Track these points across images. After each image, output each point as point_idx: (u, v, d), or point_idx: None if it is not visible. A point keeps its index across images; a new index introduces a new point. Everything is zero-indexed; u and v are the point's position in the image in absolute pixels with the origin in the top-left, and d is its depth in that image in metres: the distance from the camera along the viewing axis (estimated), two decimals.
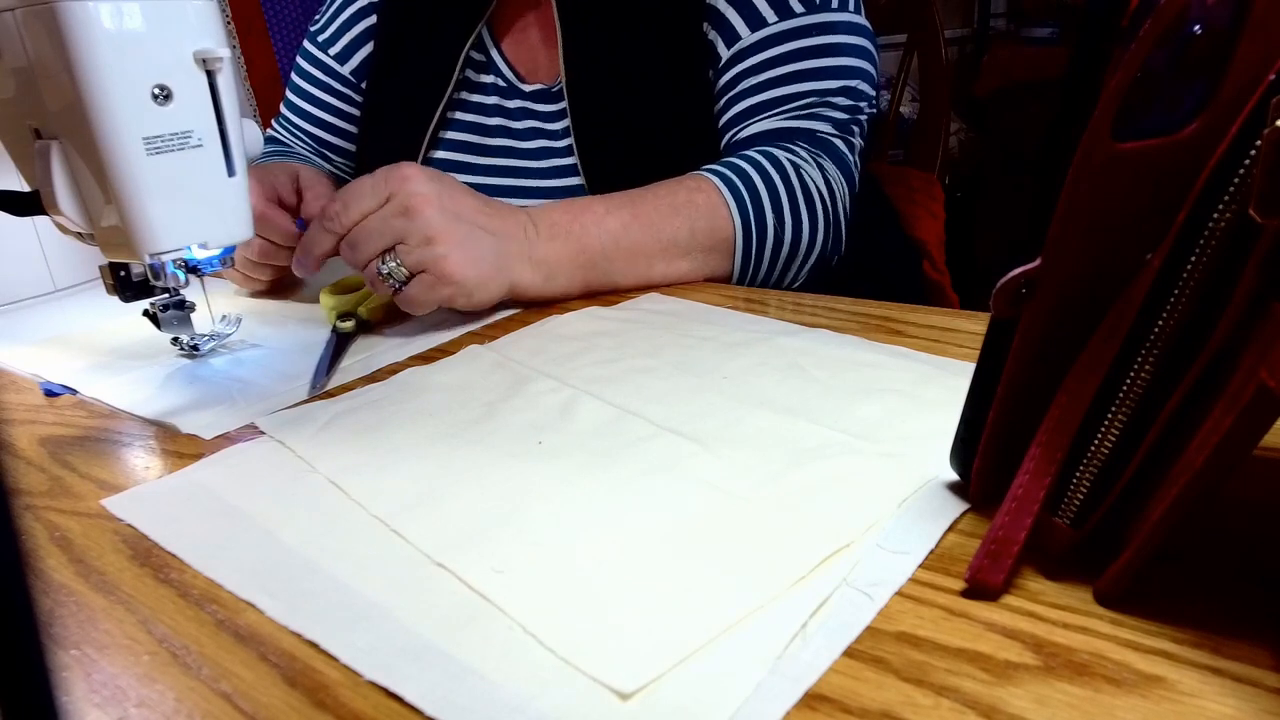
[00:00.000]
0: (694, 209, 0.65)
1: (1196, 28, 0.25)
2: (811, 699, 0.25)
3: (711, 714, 0.25)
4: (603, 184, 0.75)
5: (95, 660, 0.29)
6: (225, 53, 0.48)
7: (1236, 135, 0.24)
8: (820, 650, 0.27)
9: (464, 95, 0.83)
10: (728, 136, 0.75)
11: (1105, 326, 0.28)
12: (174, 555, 0.35)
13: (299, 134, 0.93)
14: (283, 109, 0.95)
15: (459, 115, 0.83)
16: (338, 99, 0.90)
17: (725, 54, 0.74)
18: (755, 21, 0.73)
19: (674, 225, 0.64)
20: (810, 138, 0.72)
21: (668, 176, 0.68)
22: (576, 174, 0.78)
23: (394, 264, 0.56)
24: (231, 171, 0.51)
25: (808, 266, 0.71)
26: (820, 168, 0.71)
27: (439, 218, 0.55)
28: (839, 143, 0.74)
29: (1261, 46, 0.24)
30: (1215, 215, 0.25)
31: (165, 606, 0.32)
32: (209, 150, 0.49)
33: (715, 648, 0.27)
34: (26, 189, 0.52)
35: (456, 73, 0.81)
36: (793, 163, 0.69)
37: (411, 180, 0.56)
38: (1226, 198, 0.25)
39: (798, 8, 0.72)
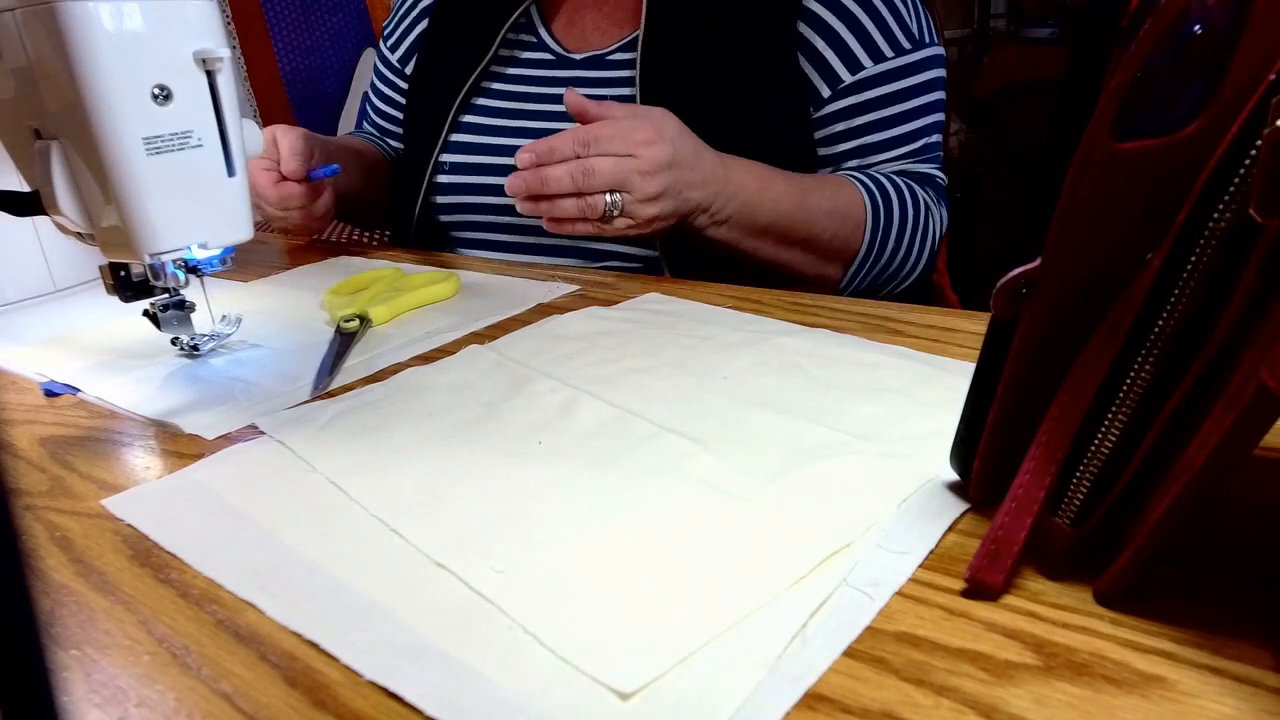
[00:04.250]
0: (845, 219, 0.73)
1: (1196, 28, 0.25)
2: (811, 699, 0.25)
3: (711, 714, 0.25)
4: None
5: (95, 660, 0.29)
6: (225, 53, 0.48)
7: (1236, 135, 0.24)
8: (820, 650, 0.27)
9: (503, 69, 0.86)
10: (852, 164, 0.80)
11: (1105, 326, 0.28)
12: (174, 555, 0.35)
13: (370, 129, 1.01)
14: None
15: (495, 85, 0.85)
16: (393, 89, 0.96)
17: (844, 76, 0.78)
18: (875, 54, 0.77)
19: (823, 225, 0.72)
20: (933, 183, 0.80)
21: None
22: None
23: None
24: (231, 171, 0.51)
25: (900, 289, 0.81)
26: (940, 211, 0.81)
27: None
28: (943, 181, 0.82)
29: (1261, 46, 0.24)
30: (1215, 215, 0.25)
31: (165, 606, 0.32)
32: (209, 150, 0.49)
33: (715, 648, 0.27)
34: (26, 189, 0.52)
35: (495, 47, 0.84)
36: (925, 203, 0.79)
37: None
38: (1226, 198, 0.25)
39: (906, 44, 0.78)
